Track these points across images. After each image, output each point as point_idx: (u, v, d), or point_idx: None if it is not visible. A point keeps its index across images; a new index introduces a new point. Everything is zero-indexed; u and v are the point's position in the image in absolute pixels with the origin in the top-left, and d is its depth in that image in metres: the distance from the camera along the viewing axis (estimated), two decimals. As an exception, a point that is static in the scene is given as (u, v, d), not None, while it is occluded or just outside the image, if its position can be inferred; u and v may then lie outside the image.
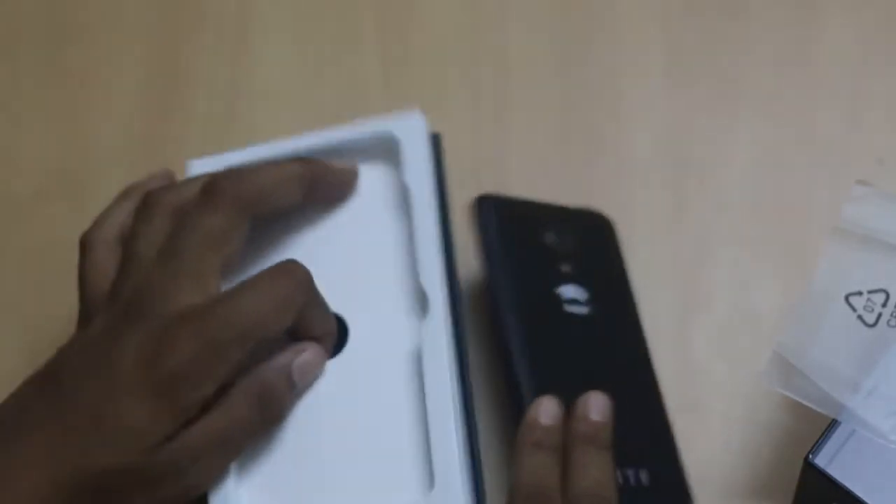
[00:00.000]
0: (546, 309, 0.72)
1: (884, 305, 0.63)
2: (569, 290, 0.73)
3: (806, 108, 0.81)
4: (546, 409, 0.65)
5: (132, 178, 0.79)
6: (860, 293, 0.64)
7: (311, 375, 0.65)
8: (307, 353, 0.64)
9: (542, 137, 0.81)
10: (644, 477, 0.69)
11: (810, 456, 0.62)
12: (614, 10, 0.84)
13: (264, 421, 0.63)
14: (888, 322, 0.63)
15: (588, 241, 0.76)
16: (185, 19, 0.85)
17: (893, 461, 0.61)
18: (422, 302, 0.66)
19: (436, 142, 0.70)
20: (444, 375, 0.64)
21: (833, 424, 0.62)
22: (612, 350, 0.73)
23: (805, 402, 0.63)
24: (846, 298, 0.64)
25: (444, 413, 0.63)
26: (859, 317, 0.63)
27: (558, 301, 0.72)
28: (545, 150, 0.81)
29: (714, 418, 0.72)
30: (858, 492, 0.61)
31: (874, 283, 0.63)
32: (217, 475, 0.61)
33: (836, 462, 0.62)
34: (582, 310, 0.73)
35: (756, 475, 0.71)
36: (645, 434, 0.70)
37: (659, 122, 0.81)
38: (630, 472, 0.69)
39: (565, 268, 0.74)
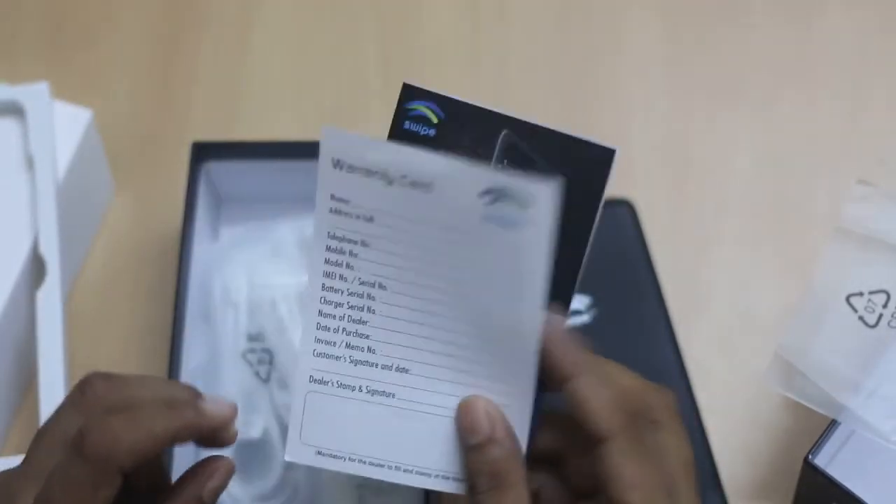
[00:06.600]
0: None
1: (885, 306, 0.63)
2: None
3: (806, 108, 0.81)
4: None
5: (132, 177, 0.80)
6: (861, 294, 0.64)
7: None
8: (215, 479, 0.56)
9: (542, 137, 0.81)
10: None
11: (810, 456, 0.62)
12: (615, 11, 0.84)
13: None
14: (889, 323, 0.63)
15: (596, 241, 0.76)
16: (185, 19, 0.85)
17: (893, 461, 0.61)
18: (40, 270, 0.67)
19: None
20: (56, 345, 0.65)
21: (833, 425, 0.62)
22: (620, 354, 0.73)
23: (806, 403, 0.63)
24: (847, 299, 0.64)
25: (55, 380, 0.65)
26: (860, 317, 0.63)
27: None
28: (545, 150, 0.81)
29: (714, 418, 0.72)
30: (858, 492, 0.61)
31: (875, 284, 0.63)
32: None
33: (836, 462, 0.62)
34: (583, 319, 0.73)
35: (756, 475, 0.71)
36: None
37: (659, 121, 0.81)
38: None
39: None
